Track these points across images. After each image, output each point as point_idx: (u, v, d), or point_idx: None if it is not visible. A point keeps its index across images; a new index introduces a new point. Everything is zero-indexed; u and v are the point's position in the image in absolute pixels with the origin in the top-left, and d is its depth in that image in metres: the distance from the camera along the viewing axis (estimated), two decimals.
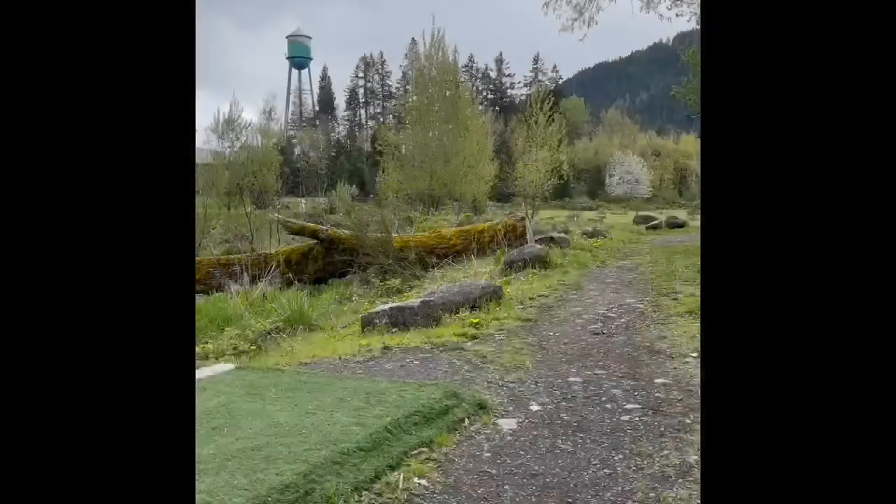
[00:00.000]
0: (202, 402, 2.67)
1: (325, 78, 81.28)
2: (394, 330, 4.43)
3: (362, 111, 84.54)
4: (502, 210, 26.31)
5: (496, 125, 49.81)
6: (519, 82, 77.85)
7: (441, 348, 3.83)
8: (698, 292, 5.61)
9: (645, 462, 2.27)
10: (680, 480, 2.11)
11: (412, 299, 5.17)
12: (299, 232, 9.60)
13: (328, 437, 2.21)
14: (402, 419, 2.43)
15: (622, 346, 4.03)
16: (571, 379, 3.32)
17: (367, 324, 4.55)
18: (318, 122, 71.02)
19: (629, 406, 2.88)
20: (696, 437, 2.45)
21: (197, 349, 4.30)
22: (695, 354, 3.73)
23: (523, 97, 65.66)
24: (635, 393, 3.07)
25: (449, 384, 3.00)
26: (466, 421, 2.65)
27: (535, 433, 2.59)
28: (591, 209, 40.53)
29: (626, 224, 21.33)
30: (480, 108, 33.70)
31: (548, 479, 2.17)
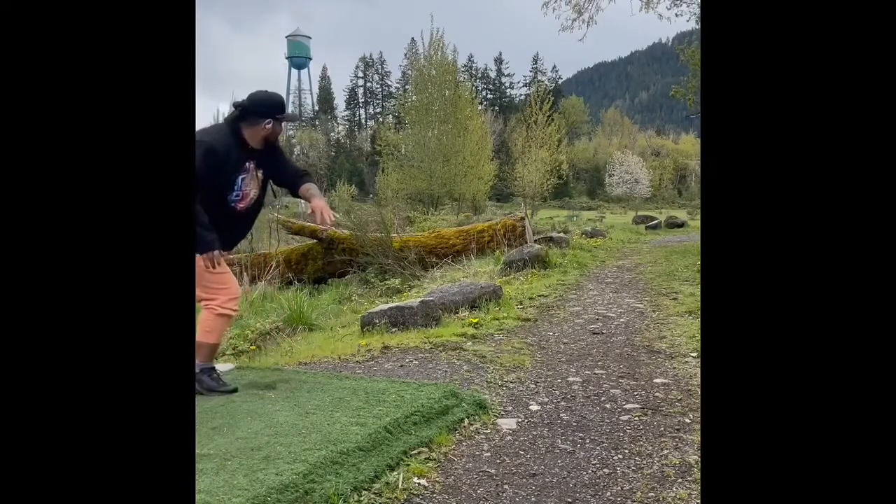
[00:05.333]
0: (202, 402, 2.67)
1: (324, 78, 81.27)
2: (393, 330, 4.43)
3: (362, 111, 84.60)
4: (501, 210, 26.35)
5: (495, 125, 49.88)
6: (518, 82, 78.02)
7: (440, 348, 3.83)
8: (698, 292, 5.62)
9: (644, 462, 2.27)
10: (679, 480, 2.11)
11: (412, 299, 5.17)
12: (299, 232, 9.59)
13: (328, 437, 2.21)
14: (402, 419, 2.43)
15: (621, 346, 4.03)
16: (571, 379, 3.32)
17: (367, 324, 4.54)
18: (317, 122, 71.02)
19: (629, 406, 2.88)
20: (696, 437, 2.46)
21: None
22: (694, 354, 3.73)
23: (523, 97, 65.72)
24: (635, 393, 3.07)
25: (448, 384, 3.00)
26: (466, 421, 2.65)
27: (535, 433, 2.59)
28: (590, 209, 40.63)
29: (626, 224, 21.34)
30: (480, 107, 33.71)
31: (547, 479, 2.17)
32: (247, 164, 2.87)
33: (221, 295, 2.87)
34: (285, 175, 3.10)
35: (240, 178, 2.86)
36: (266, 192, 3.06)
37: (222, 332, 3.02)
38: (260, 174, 2.96)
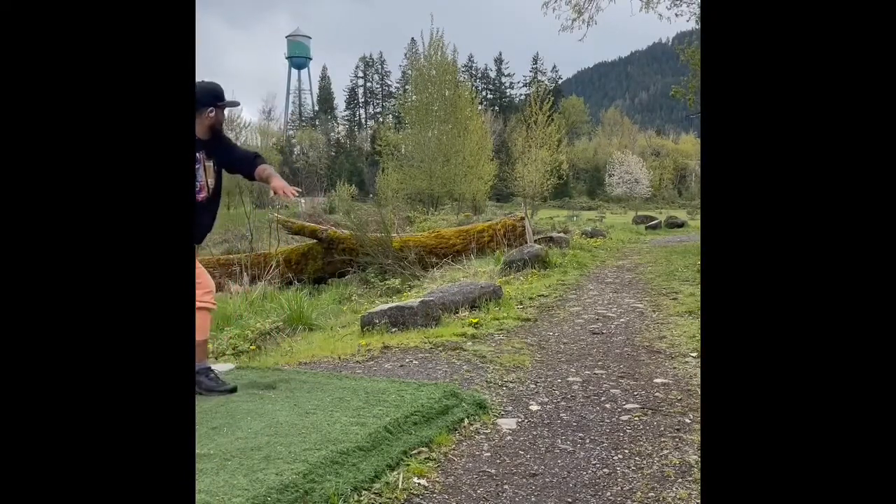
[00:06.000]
0: (202, 402, 2.67)
1: (324, 78, 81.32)
2: (393, 330, 4.43)
3: (362, 111, 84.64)
4: (501, 210, 26.36)
5: (495, 125, 49.93)
6: (518, 82, 78.02)
7: (440, 348, 3.83)
8: (698, 292, 5.62)
9: (644, 462, 2.27)
10: (679, 480, 2.11)
11: (412, 299, 5.17)
12: (299, 232, 9.59)
13: (328, 437, 2.21)
14: (402, 419, 2.43)
15: (621, 346, 4.03)
16: (571, 379, 3.32)
17: (367, 324, 4.54)
18: (317, 122, 71.09)
19: (629, 406, 2.88)
20: (696, 437, 2.46)
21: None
22: (694, 354, 3.73)
23: (523, 97, 65.77)
24: (635, 393, 3.07)
25: (448, 384, 3.00)
26: (466, 421, 2.65)
27: (535, 433, 2.59)
28: (590, 209, 40.65)
29: (626, 224, 21.34)
30: (480, 107, 33.73)
31: (547, 479, 2.17)
32: (196, 154, 2.93)
33: (196, 290, 2.89)
34: (237, 161, 3.15)
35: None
36: (221, 181, 3.13)
37: (206, 328, 3.05)
38: (212, 164, 3.02)
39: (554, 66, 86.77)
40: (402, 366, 3.46)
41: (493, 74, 75.93)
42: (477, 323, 4.54)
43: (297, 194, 2.98)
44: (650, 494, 2.02)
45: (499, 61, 76.26)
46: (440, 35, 25.82)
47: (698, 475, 2.13)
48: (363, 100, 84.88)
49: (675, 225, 20.70)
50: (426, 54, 26.38)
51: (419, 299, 4.87)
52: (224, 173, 3.11)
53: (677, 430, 2.56)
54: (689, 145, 63.27)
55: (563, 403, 2.94)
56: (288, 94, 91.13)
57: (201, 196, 2.97)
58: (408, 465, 2.18)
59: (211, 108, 2.95)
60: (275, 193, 3.00)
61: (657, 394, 3.04)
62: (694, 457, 2.28)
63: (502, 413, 2.81)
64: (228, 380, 3.00)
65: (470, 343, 3.99)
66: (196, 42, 1.19)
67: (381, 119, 69.00)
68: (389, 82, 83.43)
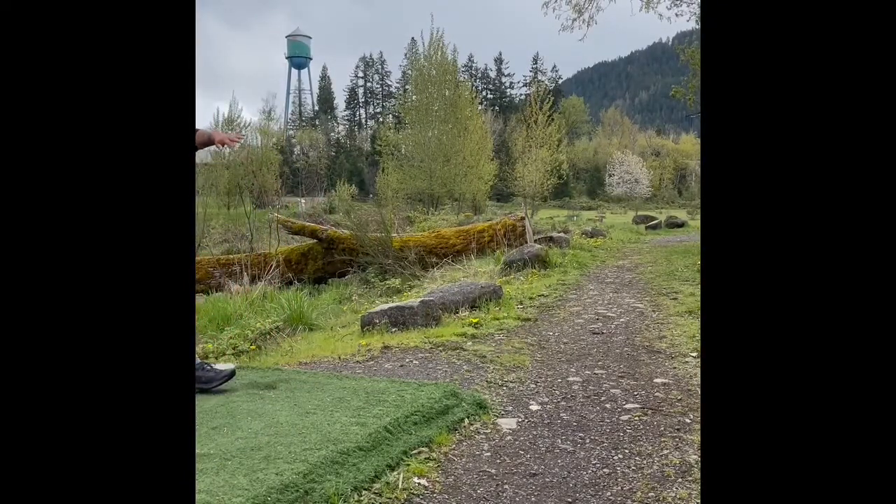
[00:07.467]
0: (202, 402, 2.67)
1: (324, 77, 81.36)
2: (393, 330, 4.43)
3: (362, 111, 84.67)
4: (502, 210, 26.39)
5: (496, 125, 50.00)
6: (518, 82, 78.09)
7: (441, 348, 3.83)
8: (698, 292, 5.62)
9: (644, 462, 2.27)
10: (679, 480, 2.11)
11: (412, 299, 5.17)
12: (299, 232, 9.60)
13: (328, 437, 2.21)
14: (402, 419, 2.43)
15: (622, 346, 4.03)
16: (571, 378, 3.32)
17: (367, 323, 4.54)
18: (317, 122, 71.12)
19: (629, 406, 2.88)
20: (696, 437, 2.46)
21: (197, 349, 4.29)
22: (694, 354, 3.73)
23: (523, 97, 65.81)
24: (635, 392, 3.07)
25: (448, 384, 3.00)
26: (466, 421, 2.65)
27: (535, 433, 2.59)
28: (590, 209, 40.68)
29: (626, 224, 21.34)
30: (480, 107, 33.76)
31: (547, 479, 2.17)
32: None
33: None
34: None
35: None
36: None
37: None
38: None
39: (554, 66, 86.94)
40: (402, 366, 3.46)
41: (493, 74, 75.95)
42: (477, 323, 4.54)
43: (241, 138, 3.01)
44: (650, 494, 2.02)
45: (499, 61, 76.28)
46: (440, 35, 25.85)
47: (698, 475, 2.13)
48: (363, 100, 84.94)
49: (675, 225, 20.70)
50: (426, 54, 26.40)
51: (419, 299, 4.87)
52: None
53: (677, 430, 2.56)
54: (689, 145, 63.31)
55: (563, 403, 2.94)
56: (288, 94, 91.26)
57: None
58: (408, 465, 2.18)
59: None
60: (222, 145, 3.00)
61: (657, 394, 3.04)
62: (694, 457, 2.28)
63: (502, 413, 2.81)
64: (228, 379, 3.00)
65: (470, 343, 3.99)
66: (196, 42, 1.19)
67: (381, 119, 69.01)
68: (389, 82, 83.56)
